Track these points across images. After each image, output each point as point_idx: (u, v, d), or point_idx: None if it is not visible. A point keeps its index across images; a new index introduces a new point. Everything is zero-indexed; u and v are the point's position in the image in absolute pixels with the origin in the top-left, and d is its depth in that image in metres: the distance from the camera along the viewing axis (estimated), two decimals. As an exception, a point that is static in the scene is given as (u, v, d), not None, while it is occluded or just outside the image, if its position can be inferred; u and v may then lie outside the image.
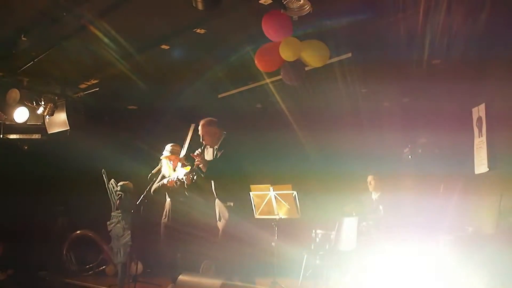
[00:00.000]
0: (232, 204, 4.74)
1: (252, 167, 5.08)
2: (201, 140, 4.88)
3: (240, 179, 4.80)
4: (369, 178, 5.93)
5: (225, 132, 4.90)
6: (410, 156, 5.68)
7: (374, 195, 5.99)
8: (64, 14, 4.68)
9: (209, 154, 4.94)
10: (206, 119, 4.92)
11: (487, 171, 5.13)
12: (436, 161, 5.63)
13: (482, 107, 5.30)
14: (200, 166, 4.73)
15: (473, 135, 5.47)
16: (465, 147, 5.54)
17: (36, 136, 7.23)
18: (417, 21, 4.44)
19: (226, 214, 4.78)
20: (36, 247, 6.75)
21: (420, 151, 5.75)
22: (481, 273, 4.32)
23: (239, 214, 4.74)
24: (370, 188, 5.96)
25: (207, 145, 4.89)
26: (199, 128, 4.89)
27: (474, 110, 5.46)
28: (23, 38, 5.22)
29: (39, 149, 7.27)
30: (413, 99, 6.36)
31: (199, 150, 4.81)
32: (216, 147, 4.87)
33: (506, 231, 4.67)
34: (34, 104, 6.67)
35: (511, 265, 4.18)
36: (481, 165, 5.24)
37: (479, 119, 5.34)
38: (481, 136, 5.28)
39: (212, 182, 4.91)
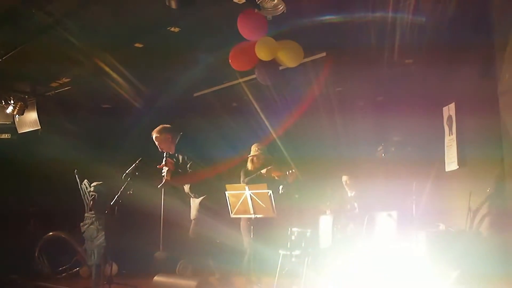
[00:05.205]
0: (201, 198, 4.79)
1: (226, 166, 5.10)
2: (159, 150, 4.98)
3: (208, 173, 4.82)
4: (344, 178, 5.99)
5: (181, 133, 5.00)
6: (383, 154, 5.75)
7: (350, 193, 6.06)
8: (33, 11, 4.58)
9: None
10: (156, 128, 5.03)
11: (457, 169, 5.25)
12: (408, 159, 5.73)
13: (452, 106, 5.42)
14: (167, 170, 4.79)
15: (444, 134, 5.60)
16: (436, 145, 5.65)
17: (5, 135, 7.07)
18: (388, 22, 4.52)
19: (195, 212, 4.83)
20: (6, 250, 6.59)
21: (393, 149, 5.84)
22: (452, 268, 4.43)
23: (211, 210, 4.78)
24: (346, 187, 6.02)
25: (165, 151, 4.95)
26: (153, 138, 5.00)
27: (445, 109, 5.58)
28: (-10, 36, 5.09)
29: (9, 149, 7.10)
30: (387, 98, 6.47)
31: (164, 160, 4.84)
32: (171, 152, 4.97)
33: (476, 228, 4.80)
34: (3, 103, 6.51)
35: (480, 261, 4.30)
36: (451, 163, 5.36)
37: (450, 117, 5.46)
38: (451, 134, 5.40)
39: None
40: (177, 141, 4.98)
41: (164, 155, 4.88)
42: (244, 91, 6.27)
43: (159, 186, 4.94)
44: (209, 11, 4.66)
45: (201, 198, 4.89)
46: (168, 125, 5.06)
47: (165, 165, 4.80)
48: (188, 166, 4.82)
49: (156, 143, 4.99)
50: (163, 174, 4.81)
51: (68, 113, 7.09)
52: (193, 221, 4.96)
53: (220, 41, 5.02)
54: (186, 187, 5.01)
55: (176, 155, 4.97)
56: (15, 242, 6.78)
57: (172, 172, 4.80)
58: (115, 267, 6.17)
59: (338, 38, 5.14)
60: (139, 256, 6.40)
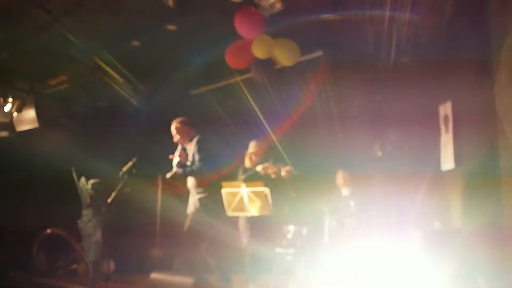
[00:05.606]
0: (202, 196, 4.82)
1: (223, 164, 5.12)
2: (174, 139, 4.99)
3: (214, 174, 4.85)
4: (338, 174, 6.00)
5: (196, 129, 5.03)
6: (380, 153, 5.75)
7: (345, 192, 6.06)
8: (31, 9, 4.59)
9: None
10: (178, 119, 5.05)
11: (453, 168, 5.25)
12: (405, 158, 5.73)
13: (448, 104, 5.41)
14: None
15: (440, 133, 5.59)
16: (433, 144, 5.65)
17: (4, 134, 7.07)
18: (385, 20, 4.53)
19: (193, 208, 4.85)
20: (5, 247, 6.61)
21: (390, 147, 5.84)
22: (447, 267, 4.44)
23: (210, 207, 4.81)
24: (340, 184, 6.03)
25: (179, 143, 4.96)
26: (172, 128, 5.01)
27: (441, 107, 5.57)
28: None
29: (8, 147, 7.11)
30: (383, 96, 6.46)
31: (177, 152, 4.87)
32: (187, 146, 4.97)
33: (471, 226, 4.80)
34: (2, 101, 6.52)
35: (475, 259, 4.31)
36: (447, 162, 5.35)
37: (446, 116, 5.45)
38: (448, 133, 5.39)
39: (188, 178, 4.99)
40: (192, 137, 5.01)
41: (178, 147, 4.91)
42: (241, 90, 6.27)
43: (167, 175, 4.95)
44: (206, 9, 4.67)
45: (201, 195, 4.90)
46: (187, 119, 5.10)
47: (178, 156, 4.82)
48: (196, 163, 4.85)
49: (174, 132, 5.02)
50: (173, 165, 4.83)
51: (66, 111, 7.10)
52: (189, 215, 4.97)
53: (217, 39, 5.04)
54: (189, 182, 5.04)
55: (187, 149, 5.00)
56: (14, 240, 6.80)
57: (181, 165, 4.83)
58: (112, 264, 6.20)
59: (335, 37, 5.15)
60: (136, 253, 6.43)
